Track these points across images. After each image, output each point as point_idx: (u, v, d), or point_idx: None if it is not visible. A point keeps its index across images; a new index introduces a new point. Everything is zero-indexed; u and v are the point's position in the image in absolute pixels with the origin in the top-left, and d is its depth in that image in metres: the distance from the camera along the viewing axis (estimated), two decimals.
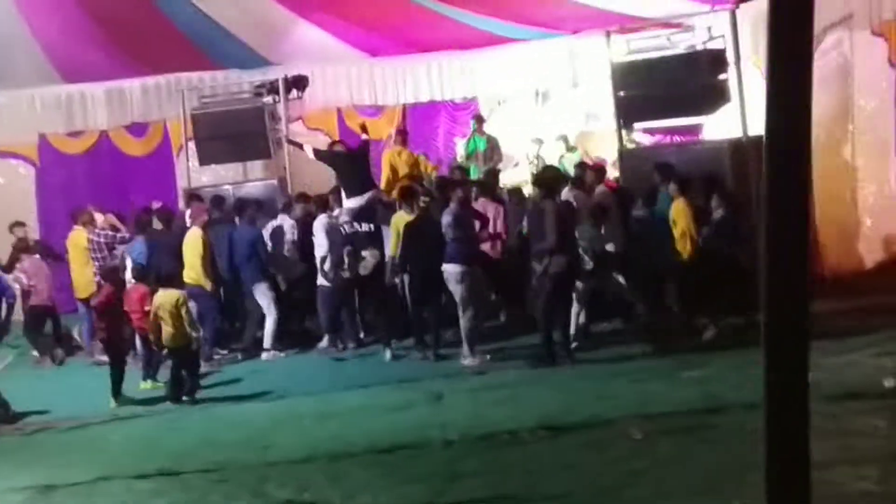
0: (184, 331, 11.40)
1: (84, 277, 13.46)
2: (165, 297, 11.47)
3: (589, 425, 8.94)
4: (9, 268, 14.35)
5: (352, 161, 13.80)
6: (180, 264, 12.90)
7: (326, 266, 12.87)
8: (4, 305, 11.92)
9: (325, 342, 13.15)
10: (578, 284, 11.73)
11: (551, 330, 11.46)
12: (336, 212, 13.24)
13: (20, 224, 14.90)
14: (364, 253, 12.73)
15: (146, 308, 11.61)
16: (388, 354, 12.52)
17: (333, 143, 14.80)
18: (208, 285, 12.94)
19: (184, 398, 11.42)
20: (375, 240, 12.90)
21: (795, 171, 2.86)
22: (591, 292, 12.02)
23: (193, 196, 14.48)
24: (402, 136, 15.93)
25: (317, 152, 14.20)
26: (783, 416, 2.91)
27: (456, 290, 11.86)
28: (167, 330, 11.39)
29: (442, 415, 9.88)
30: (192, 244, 13.02)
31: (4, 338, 12.59)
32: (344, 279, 12.86)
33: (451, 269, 11.83)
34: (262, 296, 13.19)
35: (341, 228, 12.95)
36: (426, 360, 12.17)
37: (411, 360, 12.42)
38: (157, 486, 8.60)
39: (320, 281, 13.02)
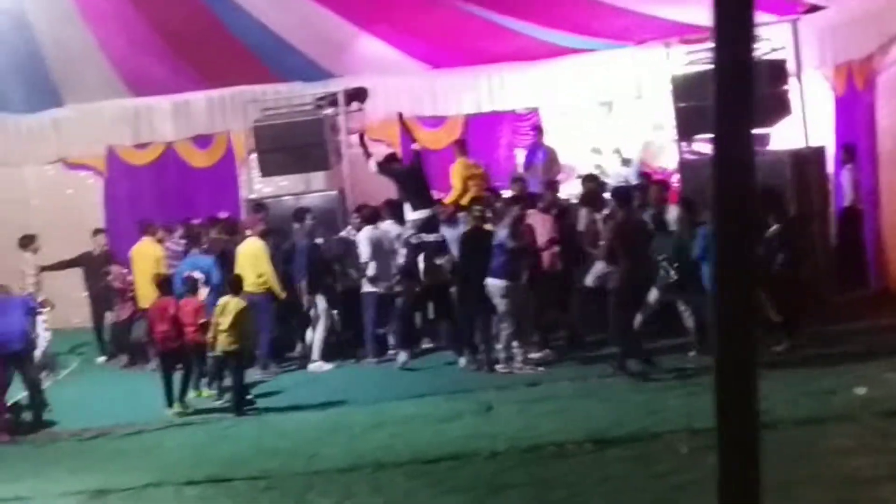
0: (241, 338, 11.60)
1: (151, 287, 13.65)
2: (230, 304, 11.69)
3: (636, 439, 8.88)
4: (58, 266, 14.71)
5: (410, 176, 13.85)
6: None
7: (370, 271, 13.11)
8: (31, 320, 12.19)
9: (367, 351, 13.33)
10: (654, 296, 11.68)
11: (621, 342, 11.42)
12: (383, 224, 13.43)
13: (101, 231, 15.24)
14: (438, 261, 12.84)
15: (201, 321, 11.80)
16: (462, 361, 12.55)
17: (389, 155, 14.81)
18: (281, 292, 13.20)
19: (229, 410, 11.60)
20: (443, 249, 12.96)
21: (742, 208, 2.87)
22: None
23: (257, 206, 14.66)
24: (461, 145, 15.91)
25: (379, 165, 14.26)
26: (734, 438, 2.87)
27: (499, 304, 11.92)
28: (224, 335, 11.56)
29: (490, 426, 9.88)
30: (255, 253, 13.21)
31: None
32: (414, 289, 13.00)
33: (493, 284, 11.89)
34: (316, 306, 13.28)
35: (410, 240, 13.07)
36: (478, 371, 12.12)
37: (464, 370, 12.37)
38: (205, 492, 8.74)
39: (367, 288, 13.19)
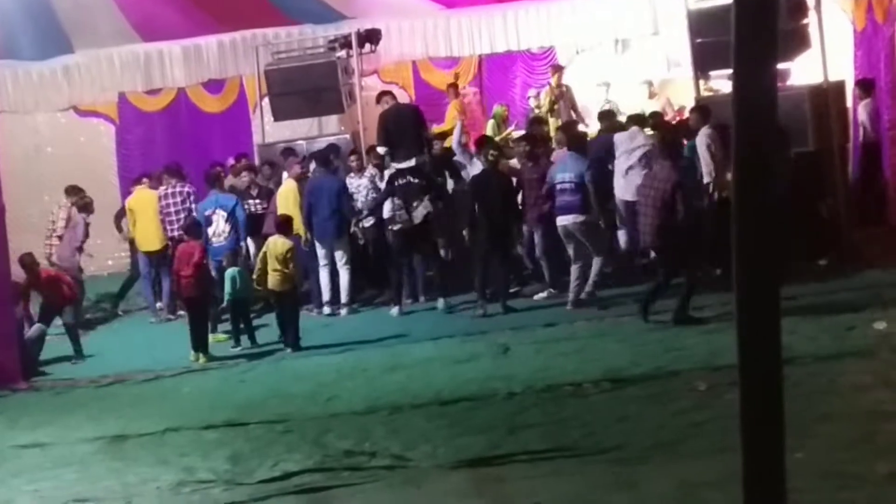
0: (290, 277, 11.63)
1: (151, 233, 13.66)
2: (276, 244, 11.73)
3: (654, 377, 8.84)
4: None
5: (401, 124, 13.67)
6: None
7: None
8: None
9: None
10: None
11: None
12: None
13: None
14: (415, 203, 12.60)
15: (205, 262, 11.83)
16: (441, 303, 12.55)
17: (382, 93, 14.53)
18: (306, 236, 13.14)
19: (288, 349, 11.61)
20: (426, 192, 12.71)
21: (764, 157, 2.80)
22: None
23: (288, 150, 14.55)
24: (454, 89, 15.83)
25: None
26: (757, 376, 2.81)
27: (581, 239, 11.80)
28: (275, 275, 11.58)
29: (507, 367, 9.86)
30: (288, 196, 13.24)
31: None
32: (395, 232, 12.76)
33: (570, 220, 11.74)
34: (342, 250, 13.16)
35: (394, 180, 12.84)
36: (488, 317, 11.97)
37: (476, 314, 12.26)
38: (223, 436, 8.75)
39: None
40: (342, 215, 13.03)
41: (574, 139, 12.63)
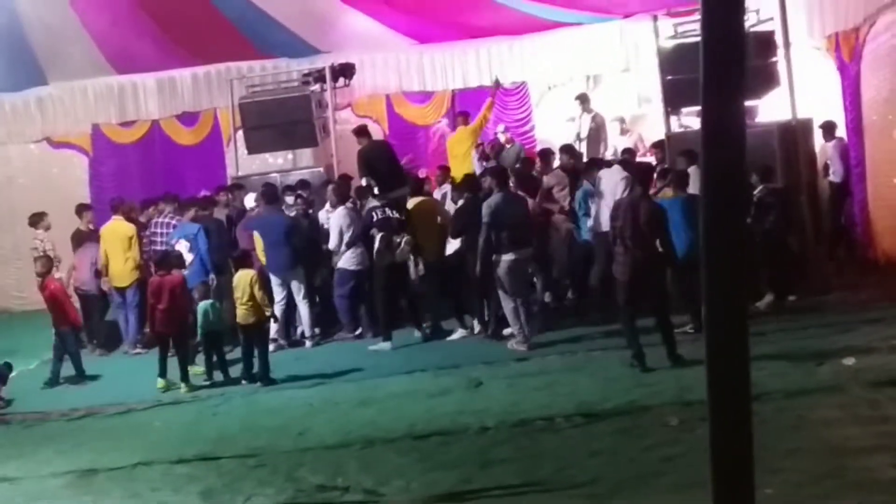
0: (258, 308, 11.55)
1: (124, 267, 13.61)
2: (239, 276, 11.72)
3: (625, 412, 8.86)
4: None
5: (383, 156, 13.65)
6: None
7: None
8: None
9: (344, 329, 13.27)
10: None
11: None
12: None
13: (87, 207, 15.01)
14: (397, 239, 12.56)
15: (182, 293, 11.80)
16: (416, 334, 12.78)
17: (361, 127, 14.46)
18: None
19: (257, 382, 11.54)
20: (405, 228, 12.67)
21: (733, 192, 2.85)
22: None
23: (267, 184, 14.46)
24: (465, 116, 16.10)
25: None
26: (727, 412, 2.86)
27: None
28: (241, 308, 11.54)
29: (480, 401, 9.84)
30: None
31: None
32: (378, 265, 12.75)
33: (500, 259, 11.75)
34: (298, 281, 13.11)
35: (373, 214, 12.75)
36: (485, 341, 12.23)
37: (457, 344, 12.43)
38: (195, 470, 8.69)
39: (341, 264, 13.11)
40: (294, 249, 12.99)
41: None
